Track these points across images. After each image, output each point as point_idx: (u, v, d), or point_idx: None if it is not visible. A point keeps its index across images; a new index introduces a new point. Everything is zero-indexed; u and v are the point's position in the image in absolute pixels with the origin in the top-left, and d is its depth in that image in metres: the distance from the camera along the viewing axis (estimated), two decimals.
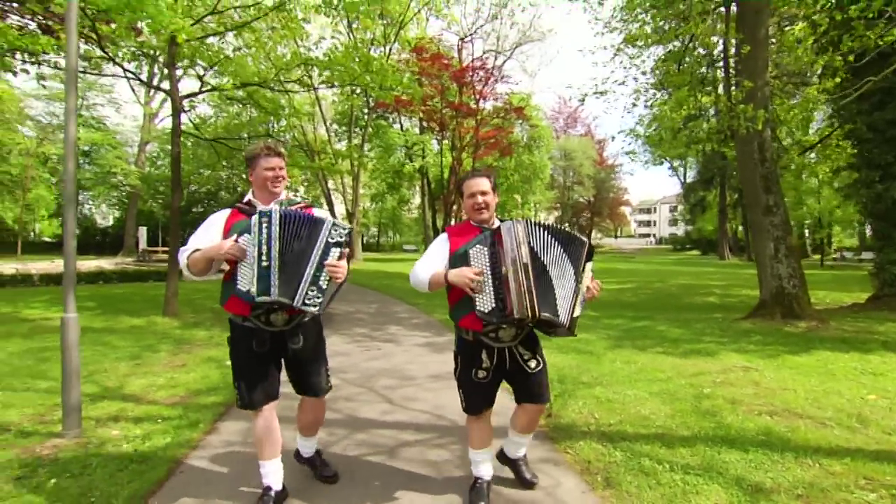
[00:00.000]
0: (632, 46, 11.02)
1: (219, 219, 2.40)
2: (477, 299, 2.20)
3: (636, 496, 2.60)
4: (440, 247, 2.44)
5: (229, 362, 5.42)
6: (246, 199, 2.47)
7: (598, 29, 11.45)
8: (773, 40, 14.27)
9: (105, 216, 43.73)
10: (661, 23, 11.20)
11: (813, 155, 14.49)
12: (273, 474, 2.49)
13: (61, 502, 2.55)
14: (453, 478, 2.84)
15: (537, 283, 2.17)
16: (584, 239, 2.30)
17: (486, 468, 2.59)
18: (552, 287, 2.22)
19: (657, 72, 12.42)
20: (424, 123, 30.06)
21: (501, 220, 2.42)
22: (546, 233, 2.24)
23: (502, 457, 2.80)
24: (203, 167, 34.78)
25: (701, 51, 12.08)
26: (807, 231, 38.83)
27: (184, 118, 10.09)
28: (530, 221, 2.26)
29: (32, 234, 40.88)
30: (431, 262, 2.40)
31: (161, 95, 34.61)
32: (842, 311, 9.05)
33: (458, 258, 2.31)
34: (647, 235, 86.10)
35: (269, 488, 2.47)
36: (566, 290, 2.24)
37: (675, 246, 61.63)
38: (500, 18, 23.65)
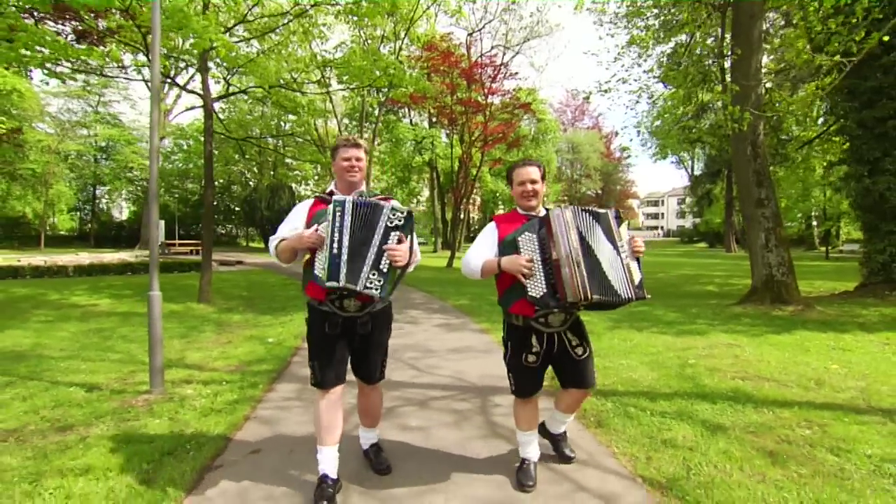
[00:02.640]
0: (636, 46, 11.55)
1: (302, 208, 2.55)
2: (528, 285, 2.26)
3: (620, 432, 3.28)
4: (489, 235, 2.53)
5: (271, 339, 6.16)
6: (329, 190, 2.59)
7: (602, 32, 11.97)
8: (781, 32, 14.72)
9: (121, 210, 44.77)
10: (658, 22, 11.71)
11: (818, 149, 14.96)
12: (329, 462, 2.51)
13: (167, 435, 3.26)
14: (475, 423, 3.52)
15: (587, 267, 2.20)
16: (604, 210, 2.36)
17: (533, 449, 2.70)
18: (602, 268, 2.24)
19: (661, 66, 12.95)
20: (434, 118, 30.65)
21: (546, 209, 2.49)
22: (589, 216, 2.29)
23: (542, 430, 2.92)
24: (220, 162, 35.66)
25: (699, 51, 12.61)
26: (815, 222, 39.03)
27: (200, 115, 10.79)
28: (577, 207, 2.30)
29: (49, 228, 42.04)
30: (482, 251, 2.49)
31: (174, 93, 35.48)
32: (830, 298, 9.63)
33: (508, 245, 2.38)
34: (655, 228, 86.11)
35: (325, 476, 2.49)
36: (616, 266, 2.26)
37: (682, 238, 61.79)
38: (507, 23, 24.19)
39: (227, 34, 8.93)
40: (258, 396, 4.08)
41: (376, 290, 2.23)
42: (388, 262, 2.25)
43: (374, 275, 2.24)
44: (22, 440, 3.20)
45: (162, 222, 29.24)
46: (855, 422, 3.37)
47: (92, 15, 8.05)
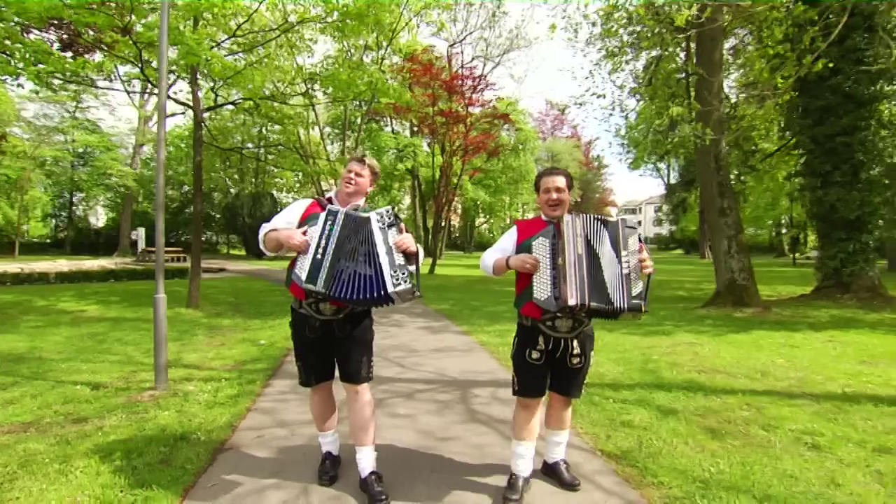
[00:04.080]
0: (609, 61, 12.16)
1: (300, 206, 2.66)
2: (535, 287, 2.34)
3: (585, 415, 3.71)
4: (509, 237, 2.63)
5: (263, 341, 6.48)
6: (328, 196, 2.74)
7: (576, 48, 12.56)
8: (750, 48, 15.54)
9: (98, 217, 44.12)
10: (631, 38, 12.36)
11: (780, 161, 15.82)
12: (331, 444, 2.88)
13: (177, 424, 3.58)
14: (456, 411, 3.92)
15: (590, 274, 2.25)
16: (616, 219, 2.36)
17: (524, 464, 2.61)
18: (604, 277, 2.28)
19: (636, 79, 13.60)
20: (415, 128, 31.15)
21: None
22: (600, 224, 2.33)
23: (545, 467, 2.82)
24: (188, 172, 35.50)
25: (671, 66, 13.31)
26: (784, 230, 40.45)
27: (181, 121, 11.02)
28: (590, 215, 2.34)
29: (22, 235, 41.14)
30: (498, 250, 2.63)
31: (155, 99, 35.32)
32: (788, 301, 10.29)
33: (524, 250, 2.46)
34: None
35: (329, 453, 2.87)
36: (616, 276, 2.28)
37: (659, 245, 63.38)
38: (486, 40, 25.00)
39: (217, 48, 9.25)
40: (257, 391, 4.41)
41: (408, 283, 2.30)
42: (400, 255, 2.33)
43: (394, 272, 2.30)
44: (42, 430, 3.49)
45: (142, 230, 29.07)
46: (787, 404, 3.87)
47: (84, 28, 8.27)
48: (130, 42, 7.03)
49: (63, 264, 22.13)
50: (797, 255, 32.87)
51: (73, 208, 38.66)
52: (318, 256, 2.33)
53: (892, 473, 2.68)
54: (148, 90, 27.46)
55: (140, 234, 28.54)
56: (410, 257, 2.38)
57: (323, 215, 2.39)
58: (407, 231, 2.42)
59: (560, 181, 2.52)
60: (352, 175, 2.64)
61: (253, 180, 39.14)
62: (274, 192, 38.50)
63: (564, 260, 2.25)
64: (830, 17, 7.83)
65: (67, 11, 5.97)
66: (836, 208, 9.57)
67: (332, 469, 2.81)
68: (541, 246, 2.36)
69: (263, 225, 2.63)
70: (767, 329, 7.40)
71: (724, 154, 9.62)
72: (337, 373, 2.76)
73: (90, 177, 34.74)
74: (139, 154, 36.33)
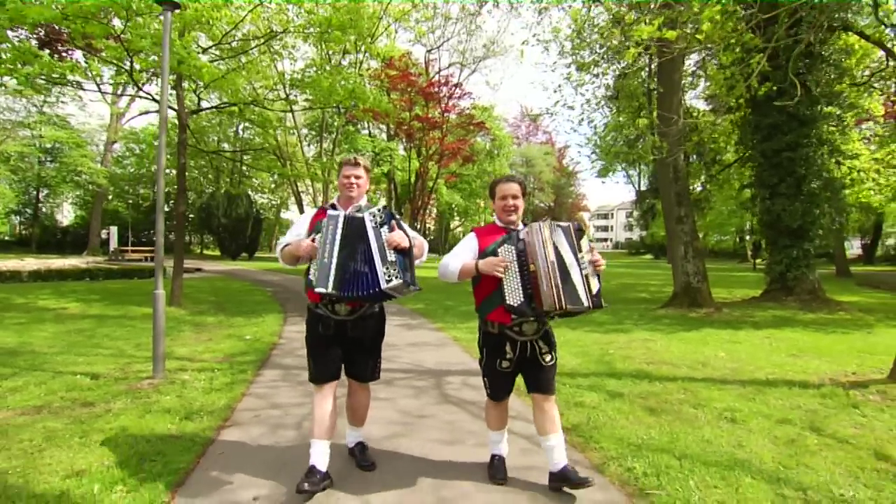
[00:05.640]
0: (579, 70, 12.82)
1: (306, 218, 2.83)
2: (506, 294, 2.41)
3: None
4: (469, 243, 2.67)
5: (249, 336, 6.85)
6: (332, 202, 2.84)
7: (547, 61, 13.19)
8: (715, 62, 16.48)
9: (65, 215, 43.07)
10: (602, 49, 13.08)
11: (735, 172, 16.85)
12: (320, 455, 2.64)
13: (180, 407, 3.96)
14: (431, 395, 4.41)
15: (562, 278, 2.36)
16: (568, 224, 2.52)
17: (503, 447, 2.85)
18: (571, 279, 2.39)
19: (607, 89, 14.34)
20: (392, 132, 31.60)
21: (524, 223, 2.69)
22: (560, 230, 2.47)
23: (553, 480, 2.64)
24: (173, 166, 35.07)
25: (637, 80, 14.09)
26: (748, 237, 42.20)
27: (156, 119, 11.22)
28: (549, 221, 2.48)
29: None
30: (461, 256, 2.62)
31: (127, 99, 34.77)
32: (738, 303, 11.12)
33: (488, 256, 2.53)
34: (605, 240, 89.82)
35: (313, 467, 2.62)
36: (579, 277, 2.42)
37: (630, 250, 65.07)
38: (463, 53, 25.67)
39: (202, 54, 9.54)
40: (249, 379, 4.82)
41: (397, 279, 2.38)
42: (392, 252, 2.43)
43: (386, 269, 2.40)
44: (54, 413, 3.83)
45: (114, 228, 28.67)
46: (718, 388, 4.49)
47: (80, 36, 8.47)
48: (122, 48, 7.29)
49: (32, 262, 21.76)
50: (758, 260, 34.42)
51: (40, 205, 37.67)
52: (325, 260, 2.47)
53: (784, 437, 3.30)
54: (120, 90, 27.13)
55: (112, 232, 28.13)
56: (405, 253, 2.49)
57: (325, 222, 2.54)
58: (400, 227, 2.51)
59: (516, 189, 2.65)
60: (351, 179, 2.76)
61: (228, 180, 38.89)
62: (250, 193, 38.34)
63: (538, 266, 2.36)
64: (774, 41, 8.62)
65: (65, 21, 6.24)
66: (782, 218, 10.43)
67: (315, 482, 2.55)
68: (507, 252, 2.46)
69: (279, 242, 2.84)
70: (716, 327, 8.12)
71: (682, 166, 10.37)
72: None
73: (58, 173, 33.98)
74: (111, 151, 35.66)
